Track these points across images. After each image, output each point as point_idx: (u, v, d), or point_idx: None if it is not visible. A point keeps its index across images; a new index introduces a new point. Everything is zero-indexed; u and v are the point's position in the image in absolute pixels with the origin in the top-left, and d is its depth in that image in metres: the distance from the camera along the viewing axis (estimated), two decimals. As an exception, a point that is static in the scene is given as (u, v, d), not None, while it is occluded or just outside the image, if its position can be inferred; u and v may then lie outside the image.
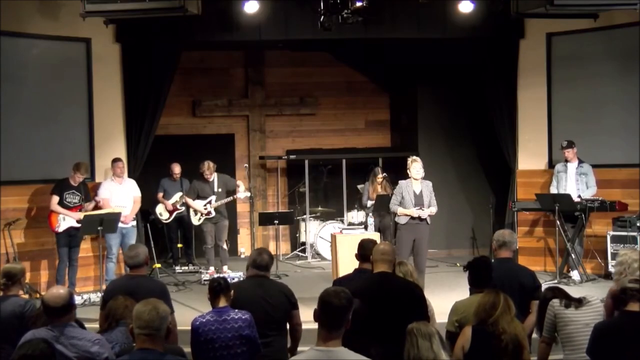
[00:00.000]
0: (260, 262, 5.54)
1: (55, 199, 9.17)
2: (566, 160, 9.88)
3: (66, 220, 9.21)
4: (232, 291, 5.16)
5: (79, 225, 9.16)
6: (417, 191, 8.59)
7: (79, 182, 9.31)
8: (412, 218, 8.52)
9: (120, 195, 9.72)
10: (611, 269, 9.54)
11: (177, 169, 11.30)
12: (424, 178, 8.78)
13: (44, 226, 9.34)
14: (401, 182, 8.79)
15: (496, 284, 5.09)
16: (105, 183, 9.78)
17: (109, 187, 9.71)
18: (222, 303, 5.05)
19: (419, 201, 8.53)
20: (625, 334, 4.50)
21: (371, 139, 13.30)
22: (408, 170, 8.69)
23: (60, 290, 4.50)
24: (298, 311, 5.59)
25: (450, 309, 5.27)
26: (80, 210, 9.27)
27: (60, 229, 9.20)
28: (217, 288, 5.09)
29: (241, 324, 4.94)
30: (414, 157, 8.79)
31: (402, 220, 8.57)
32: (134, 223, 9.85)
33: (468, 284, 5.36)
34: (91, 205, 9.44)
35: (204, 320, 4.99)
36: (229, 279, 5.81)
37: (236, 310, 5.03)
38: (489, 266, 5.31)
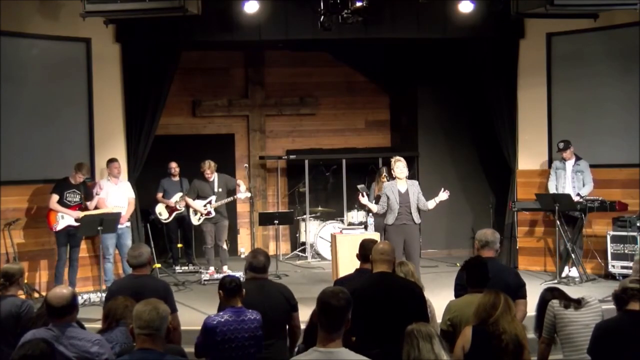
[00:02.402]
0: (257, 264, 5.51)
1: (55, 197, 9.17)
2: (563, 159, 9.90)
3: (65, 219, 9.20)
4: (244, 290, 5.13)
5: (77, 224, 9.16)
6: (402, 190, 8.55)
7: (80, 182, 9.32)
8: (398, 218, 8.49)
9: (116, 195, 9.72)
10: (611, 269, 9.57)
11: (173, 164, 11.32)
12: (410, 178, 8.83)
13: (43, 226, 9.34)
14: (385, 184, 8.79)
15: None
16: (101, 182, 9.79)
17: (105, 187, 9.71)
18: (239, 303, 5.04)
19: (404, 200, 8.49)
20: (627, 334, 4.51)
21: (371, 139, 13.30)
22: (392, 171, 8.67)
23: (63, 290, 4.50)
24: (297, 313, 5.56)
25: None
26: (80, 210, 9.27)
27: (59, 227, 9.19)
28: (235, 288, 5.05)
29: (256, 324, 4.97)
30: (397, 157, 8.77)
31: (389, 220, 8.52)
32: (129, 224, 9.85)
33: (466, 284, 5.34)
34: (93, 203, 9.43)
35: (222, 320, 4.95)
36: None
37: (250, 311, 5.02)
38: (486, 265, 5.31)
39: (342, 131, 13.23)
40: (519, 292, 5.62)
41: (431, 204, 8.63)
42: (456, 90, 12.12)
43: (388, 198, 8.51)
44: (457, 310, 5.06)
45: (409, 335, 4.15)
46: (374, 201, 10.69)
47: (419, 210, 8.55)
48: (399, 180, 8.60)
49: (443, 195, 8.64)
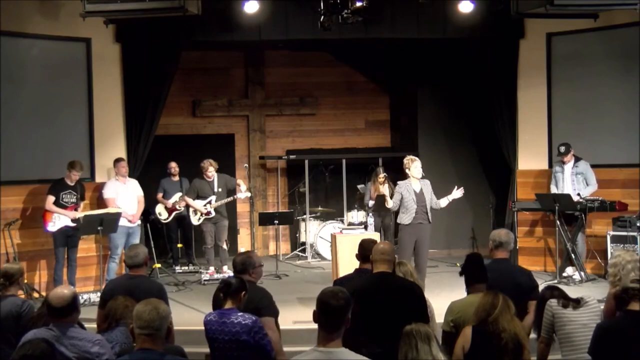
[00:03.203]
0: (233, 263, 5.51)
1: (51, 199, 9.14)
2: (563, 162, 9.89)
3: (61, 220, 9.18)
4: (243, 293, 5.09)
5: (74, 224, 9.15)
6: (417, 190, 8.57)
7: (76, 181, 9.29)
8: (415, 217, 8.48)
9: (125, 195, 9.71)
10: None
11: (173, 163, 11.32)
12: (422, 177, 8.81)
13: (42, 226, 9.32)
14: (400, 183, 8.76)
15: (492, 285, 5.09)
16: (109, 183, 9.77)
17: (114, 187, 9.70)
18: (228, 305, 4.99)
19: (420, 200, 8.51)
20: (627, 334, 4.51)
21: (371, 139, 13.31)
22: (407, 170, 8.64)
23: (64, 291, 4.48)
24: (267, 319, 5.23)
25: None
26: (75, 210, 9.25)
27: (55, 228, 9.16)
28: (224, 290, 5.01)
29: (239, 329, 4.83)
30: (412, 157, 8.75)
31: (405, 220, 8.51)
32: (139, 222, 9.85)
33: (465, 284, 5.34)
34: (81, 208, 9.41)
35: (208, 319, 4.98)
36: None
37: (239, 314, 4.91)
38: (482, 260, 5.34)
39: (342, 131, 13.23)
40: (532, 293, 5.60)
41: (444, 202, 8.68)
42: (456, 90, 12.12)
43: (402, 197, 8.48)
44: (460, 311, 5.06)
45: (408, 336, 4.14)
46: (370, 202, 10.72)
47: (431, 209, 8.57)
48: (414, 179, 8.58)
49: (457, 193, 8.69)
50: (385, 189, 10.42)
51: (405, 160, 8.72)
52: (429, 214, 8.56)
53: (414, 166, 8.58)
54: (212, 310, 5.28)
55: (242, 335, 4.84)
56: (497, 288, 4.85)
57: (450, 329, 5.05)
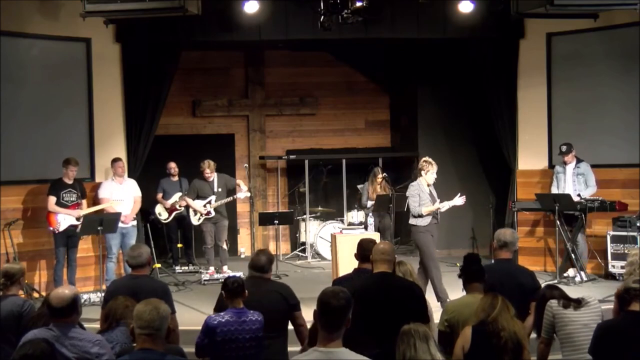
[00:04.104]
0: (257, 263, 5.52)
1: (53, 199, 9.14)
2: (564, 162, 9.88)
3: (66, 220, 9.18)
4: (247, 292, 5.13)
5: (78, 222, 9.15)
6: (427, 191, 8.52)
7: (74, 178, 9.28)
8: (431, 218, 8.45)
9: (120, 195, 9.71)
10: (611, 269, 9.57)
11: (172, 164, 11.31)
12: None
13: (42, 226, 9.33)
14: (414, 184, 8.55)
15: (494, 285, 5.09)
16: (105, 183, 9.78)
17: (109, 187, 9.71)
18: (241, 304, 5.04)
19: (433, 200, 8.51)
20: (628, 334, 4.51)
21: (371, 139, 13.31)
22: (422, 171, 8.44)
23: (65, 291, 4.46)
24: (300, 312, 5.55)
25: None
26: (77, 208, 9.25)
27: (61, 228, 9.17)
28: (238, 289, 5.05)
29: (258, 325, 4.98)
30: (432, 161, 8.48)
31: (424, 221, 8.37)
32: (134, 223, 9.84)
33: (463, 284, 5.35)
34: (85, 204, 9.42)
35: (223, 320, 4.96)
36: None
37: (251, 312, 5.02)
38: (479, 260, 5.36)
39: (342, 131, 13.23)
40: (534, 293, 5.58)
41: (444, 206, 8.58)
42: (456, 90, 12.12)
43: (420, 197, 8.39)
44: (454, 311, 5.07)
45: (406, 335, 4.14)
46: (368, 202, 10.67)
47: None
48: (423, 181, 8.50)
49: (458, 200, 8.62)
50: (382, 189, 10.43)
51: (423, 162, 8.49)
52: (438, 214, 8.53)
53: (431, 172, 8.39)
54: (219, 312, 5.25)
55: (260, 331, 5.00)
56: (500, 288, 4.86)
57: (445, 329, 5.06)
